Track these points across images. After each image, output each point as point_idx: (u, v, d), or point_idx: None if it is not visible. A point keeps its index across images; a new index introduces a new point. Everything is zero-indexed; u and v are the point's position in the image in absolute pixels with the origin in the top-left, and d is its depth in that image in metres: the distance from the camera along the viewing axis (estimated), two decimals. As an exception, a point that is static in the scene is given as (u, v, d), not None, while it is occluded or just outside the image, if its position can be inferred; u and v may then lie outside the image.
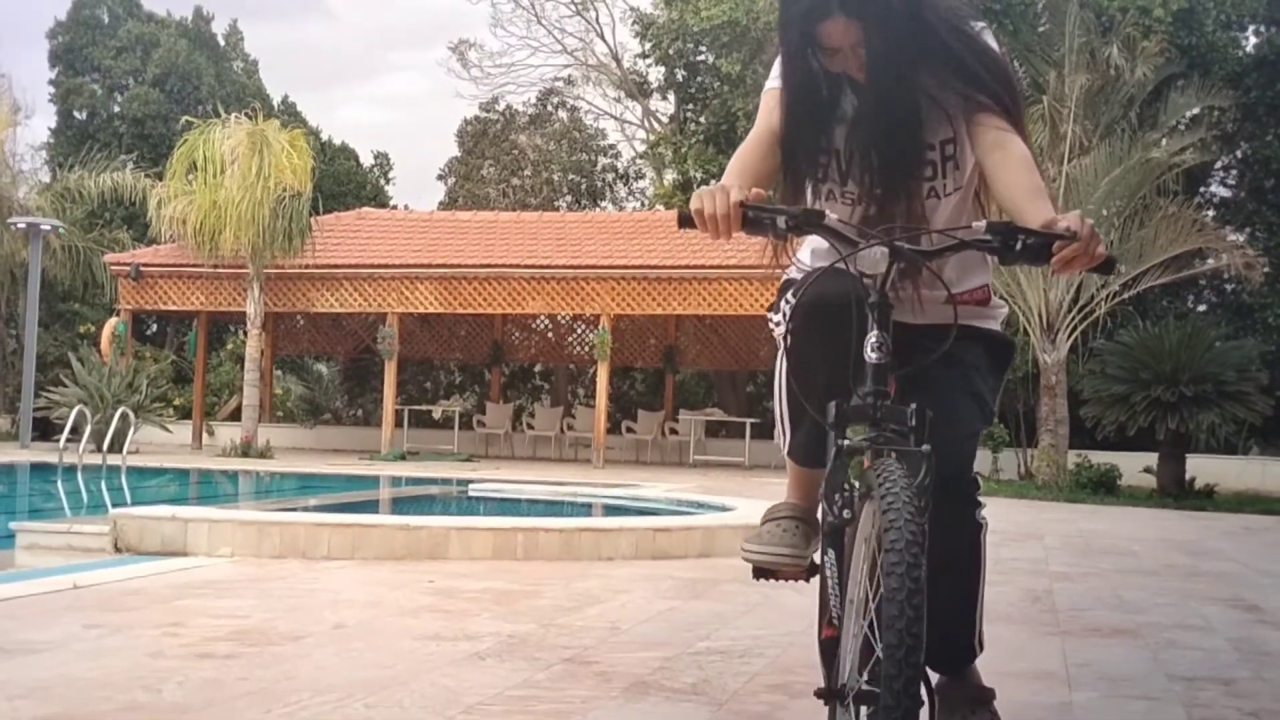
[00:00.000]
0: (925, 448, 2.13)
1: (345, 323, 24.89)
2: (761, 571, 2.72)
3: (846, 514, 2.18)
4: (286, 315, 23.90)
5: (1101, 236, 2.17)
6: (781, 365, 2.54)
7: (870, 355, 2.21)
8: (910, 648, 1.91)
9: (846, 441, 2.18)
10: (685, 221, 2.31)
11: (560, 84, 33.09)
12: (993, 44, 2.51)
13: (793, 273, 2.66)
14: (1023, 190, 2.33)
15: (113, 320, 20.75)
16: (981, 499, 2.59)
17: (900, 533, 1.96)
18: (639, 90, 31.22)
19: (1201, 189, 23.71)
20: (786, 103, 2.51)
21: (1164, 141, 18.11)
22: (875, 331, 2.21)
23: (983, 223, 2.24)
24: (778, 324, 2.54)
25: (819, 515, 2.28)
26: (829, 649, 2.29)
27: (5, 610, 4.29)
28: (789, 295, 2.48)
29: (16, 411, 21.17)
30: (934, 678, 2.53)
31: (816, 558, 2.42)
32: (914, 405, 2.17)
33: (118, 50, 30.75)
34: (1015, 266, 2.40)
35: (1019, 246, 2.18)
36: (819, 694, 2.23)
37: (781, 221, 2.27)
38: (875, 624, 2.02)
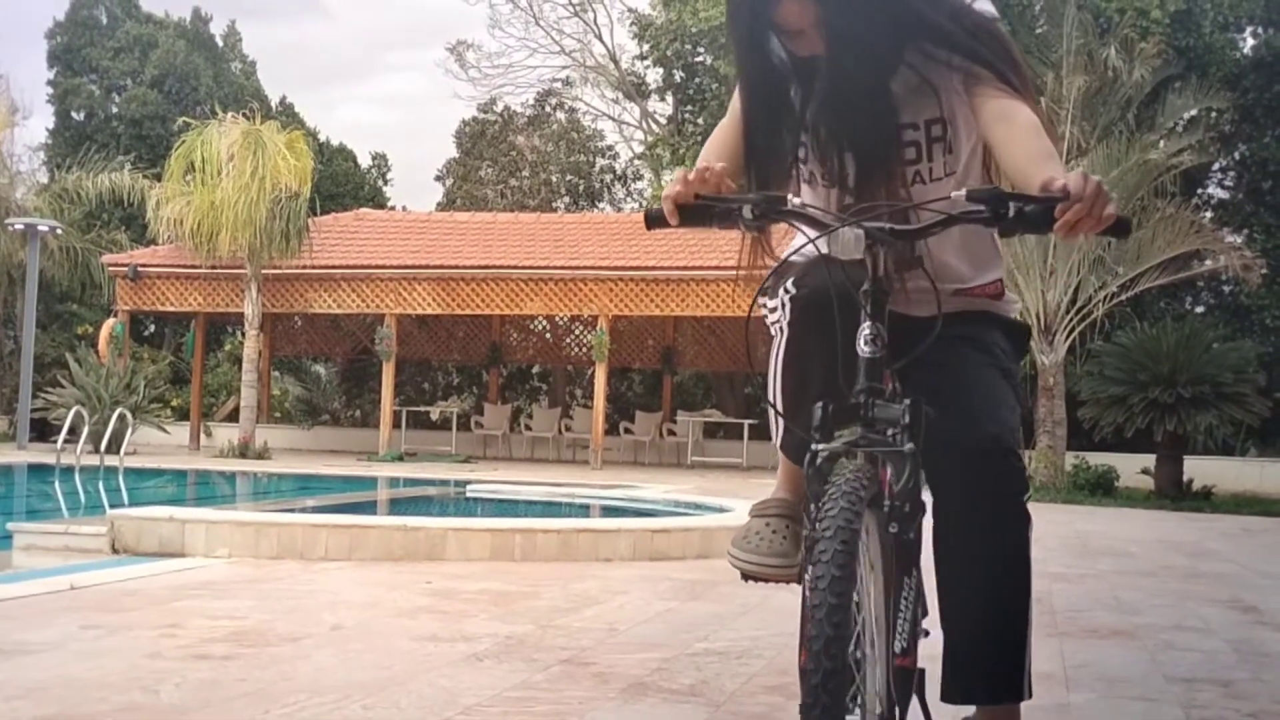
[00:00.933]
0: (909, 447, 1.97)
1: (343, 324, 24.88)
2: (750, 574, 2.53)
3: None
4: (284, 316, 23.89)
5: (1112, 195, 1.93)
6: (777, 356, 2.38)
7: (864, 349, 2.03)
8: (829, 671, 1.73)
9: (822, 447, 1.99)
10: (653, 221, 2.18)
11: (558, 85, 33.13)
12: (985, 8, 2.32)
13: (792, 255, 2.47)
14: (1029, 157, 2.13)
15: (110, 321, 20.74)
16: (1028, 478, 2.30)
17: (829, 543, 1.78)
18: (637, 91, 31.23)
19: (1199, 190, 23.72)
20: (744, 97, 2.38)
21: (1161, 143, 18.12)
22: (869, 323, 2.04)
23: (962, 192, 2.01)
24: (773, 309, 2.36)
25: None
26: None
27: (3, 611, 4.29)
28: (788, 284, 2.30)
29: (14, 412, 21.15)
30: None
31: None
32: (908, 401, 2.00)
33: (116, 51, 30.74)
34: (1015, 247, 2.19)
35: (1012, 214, 1.96)
36: None
37: (748, 210, 2.09)
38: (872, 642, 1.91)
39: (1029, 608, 2.29)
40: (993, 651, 2.28)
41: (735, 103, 2.44)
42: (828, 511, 1.82)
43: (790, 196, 2.14)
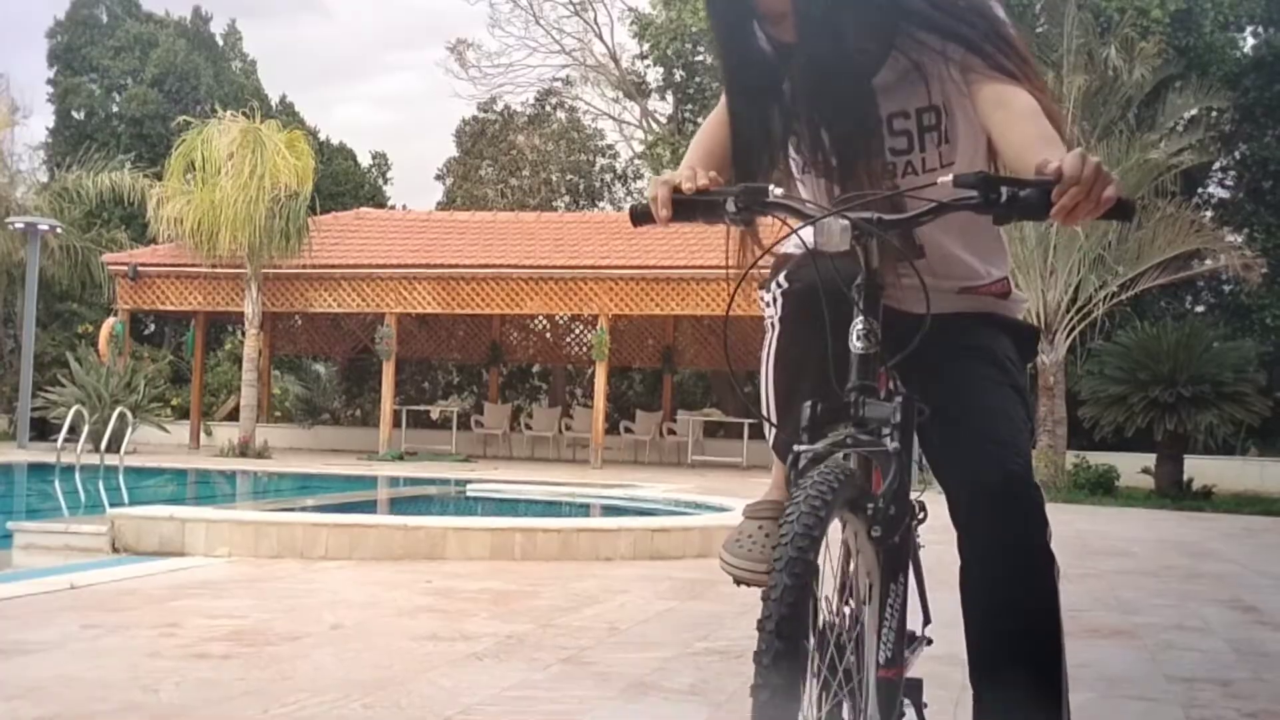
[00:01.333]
0: (894, 446, 1.88)
1: (343, 323, 24.89)
2: (741, 580, 2.38)
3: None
4: (284, 315, 23.89)
5: (1113, 176, 1.78)
6: (769, 352, 2.27)
7: (855, 344, 1.93)
8: (776, 687, 1.60)
9: (804, 448, 1.89)
10: (639, 218, 2.10)
11: (558, 84, 33.13)
12: None
13: (789, 248, 2.35)
14: (1025, 142, 1.99)
15: (111, 320, 20.75)
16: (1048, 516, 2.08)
17: (784, 550, 1.65)
18: (637, 90, 31.22)
19: (1200, 190, 23.74)
20: (727, 89, 2.30)
21: (1162, 143, 18.11)
22: (861, 318, 1.94)
23: (949, 177, 1.88)
24: (768, 304, 2.27)
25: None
26: None
27: (2, 610, 4.29)
28: (780, 278, 2.22)
29: (14, 411, 21.14)
30: None
31: None
32: (900, 398, 1.91)
33: (116, 50, 30.75)
34: (1010, 229, 2.03)
35: (1004, 199, 1.83)
36: None
37: (730, 203, 2.02)
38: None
39: (1061, 663, 2.08)
40: (1022, 713, 2.08)
41: (723, 100, 2.36)
42: (788, 517, 1.70)
43: (771, 188, 2.05)
